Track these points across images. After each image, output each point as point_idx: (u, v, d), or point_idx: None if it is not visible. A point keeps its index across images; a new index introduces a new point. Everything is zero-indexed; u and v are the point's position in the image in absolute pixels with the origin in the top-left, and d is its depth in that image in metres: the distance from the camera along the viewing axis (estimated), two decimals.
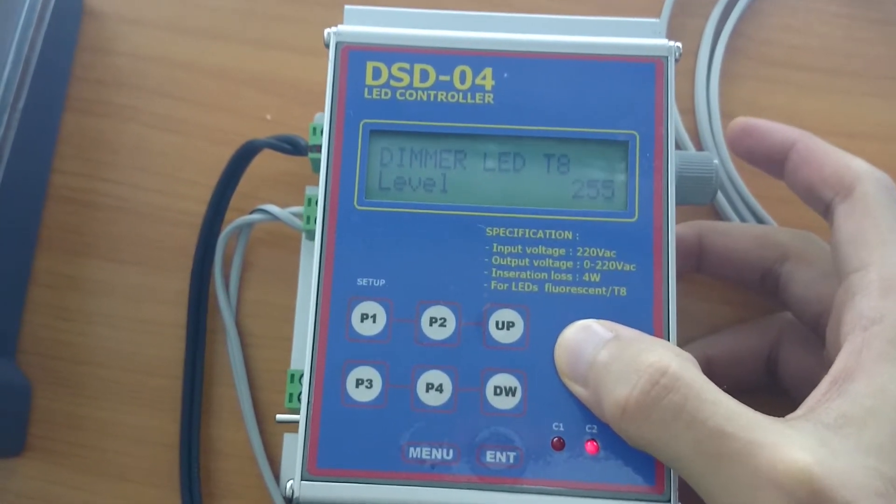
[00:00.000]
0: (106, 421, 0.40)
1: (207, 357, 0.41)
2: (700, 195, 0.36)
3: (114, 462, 0.40)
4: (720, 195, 0.41)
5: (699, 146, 0.43)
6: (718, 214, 0.42)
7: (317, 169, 0.37)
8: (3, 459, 0.40)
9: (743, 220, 0.41)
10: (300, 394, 0.32)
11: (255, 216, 0.40)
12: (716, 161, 0.35)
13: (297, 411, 0.32)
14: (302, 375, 0.32)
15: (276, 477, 0.39)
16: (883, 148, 0.44)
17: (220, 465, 0.40)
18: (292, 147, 0.40)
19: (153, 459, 0.40)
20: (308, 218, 0.36)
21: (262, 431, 0.40)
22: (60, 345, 0.41)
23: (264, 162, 0.42)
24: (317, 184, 0.33)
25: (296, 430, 0.31)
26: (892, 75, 0.45)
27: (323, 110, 0.33)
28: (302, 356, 0.35)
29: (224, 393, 0.41)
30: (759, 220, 0.41)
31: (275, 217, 0.39)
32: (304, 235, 0.38)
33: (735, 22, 0.44)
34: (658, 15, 0.44)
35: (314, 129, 0.37)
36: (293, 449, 0.31)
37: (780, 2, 0.46)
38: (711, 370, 0.34)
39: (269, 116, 0.44)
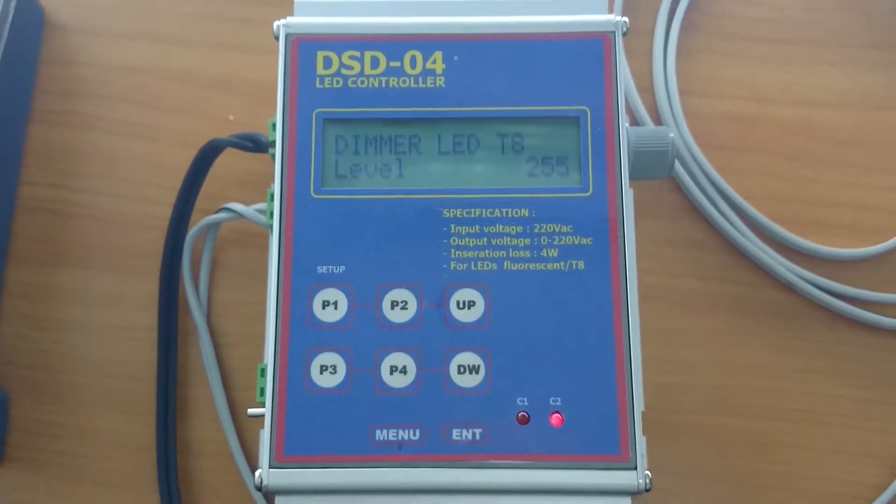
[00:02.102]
0: (84, 427, 0.40)
1: (180, 358, 0.41)
2: (658, 169, 0.36)
3: (93, 468, 0.40)
4: (681, 169, 0.42)
5: (658, 123, 0.43)
6: (680, 188, 0.42)
7: None
8: None
9: (704, 192, 0.41)
10: None
11: (221, 215, 0.40)
12: (671, 134, 0.36)
13: None
14: None
15: (254, 473, 0.39)
16: (845, 115, 0.44)
17: (197, 465, 0.40)
18: (254, 144, 0.40)
19: (132, 463, 0.40)
20: (271, 213, 0.36)
21: (237, 429, 0.40)
22: (35, 354, 0.41)
23: (229, 162, 0.42)
24: None
25: None
26: (852, 43, 0.45)
27: None
28: None
29: (199, 393, 0.41)
30: (721, 193, 0.41)
31: (240, 215, 0.40)
32: (270, 231, 0.38)
33: None
34: None
35: (273, 124, 0.37)
36: None
37: None
38: None
39: (231, 117, 0.44)
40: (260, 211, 0.40)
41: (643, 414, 0.32)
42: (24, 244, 0.43)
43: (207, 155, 0.40)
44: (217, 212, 0.40)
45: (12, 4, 0.42)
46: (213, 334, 0.41)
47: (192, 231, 0.41)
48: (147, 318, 0.41)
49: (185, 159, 0.42)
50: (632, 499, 0.31)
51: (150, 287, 0.42)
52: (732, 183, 0.42)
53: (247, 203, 0.40)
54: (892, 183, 0.43)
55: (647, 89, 0.44)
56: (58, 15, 0.46)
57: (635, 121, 0.43)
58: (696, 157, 0.42)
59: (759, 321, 0.41)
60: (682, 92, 0.43)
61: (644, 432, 0.32)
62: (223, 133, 0.42)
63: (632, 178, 0.34)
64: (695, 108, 0.44)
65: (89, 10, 0.46)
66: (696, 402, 0.40)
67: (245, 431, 0.40)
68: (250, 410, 0.33)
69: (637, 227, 0.37)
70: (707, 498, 0.40)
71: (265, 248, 0.39)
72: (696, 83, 0.44)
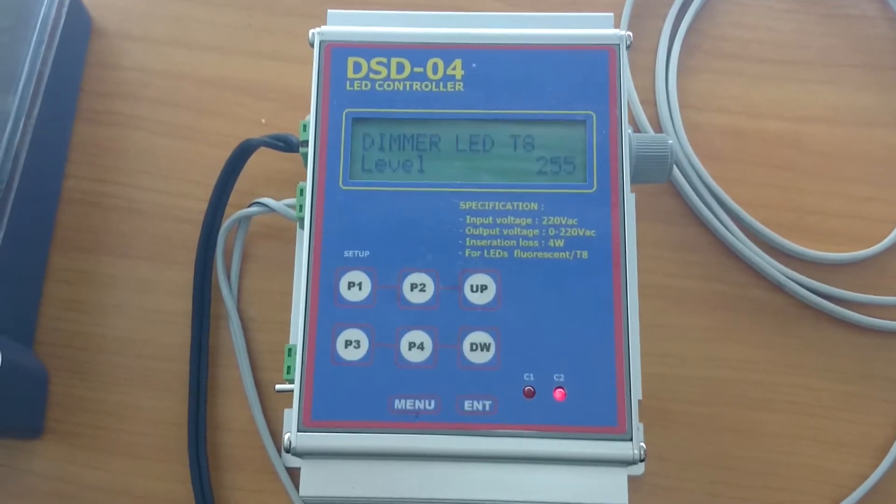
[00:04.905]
0: (119, 404, 0.43)
1: (212, 341, 0.44)
2: (657, 173, 0.39)
3: (127, 441, 0.43)
4: (680, 176, 0.45)
5: (660, 133, 0.46)
6: (678, 193, 0.45)
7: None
8: (24, 441, 0.43)
9: (700, 196, 0.45)
10: None
11: (253, 209, 0.43)
12: (670, 141, 0.39)
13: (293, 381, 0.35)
14: None
15: (278, 449, 0.42)
16: (834, 130, 0.47)
17: (225, 440, 0.43)
18: (285, 144, 0.43)
19: (164, 437, 0.43)
20: (300, 207, 0.39)
21: (264, 407, 0.43)
22: (75, 335, 0.44)
23: (261, 162, 0.45)
24: None
25: None
26: (840, 63, 0.48)
27: None
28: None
29: (228, 374, 0.44)
30: (717, 199, 0.45)
31: (270, 209, 0.43)
32: (298, 225, 0.41)
33: (690, 20, 0.48)
34: (619, 17, 0.48)
35: (304, 126, 0.40)
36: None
37: (733, 0, 0.49)
38: None
39: (263, 120, 0.47)
40: (289, 206, 0.43)
41: (640, 402, 0.35)
42: (68, 233, 0.46)
43: (242, 153, 0.44)
44: (249, 206, 0.44)
45: (63, 12, 0.45)
46: (242, 319, 0.44)
47: (226, 224, 0.44)
48: (180, 303, 0.44)
49: (218, 158, 0.45)
50: (628, 479, 0.34)
51: (184, 275, 0.45)
52: (727, 190, 0.45)
53: (277, 199, 0.43)
54: (877, 194, 0.46)
55: (650, 102, 0.47)
56: (104, 22, 0.49)
57: (638, 130, 0.46)
58: (694, 165, 0.45)
59: (750, 319, 0.44)
60: (682, 106, 0.47)
61: (641, 419, 0.34)
62: (255, 134, 0.45)
63: (633, 181, 0.38)
64: (694, 121, 0.47)
65: (133, 18, 0.49)
66: (691, 392, 0.43)
67: (270, 410, 0.43)
68: (278, 386, 0.36)
69: (638, 230, 0.41)
70: (699, 482, 0.42)
71: (293, 241, 0.43)
72: (694, 98, 0.47)
